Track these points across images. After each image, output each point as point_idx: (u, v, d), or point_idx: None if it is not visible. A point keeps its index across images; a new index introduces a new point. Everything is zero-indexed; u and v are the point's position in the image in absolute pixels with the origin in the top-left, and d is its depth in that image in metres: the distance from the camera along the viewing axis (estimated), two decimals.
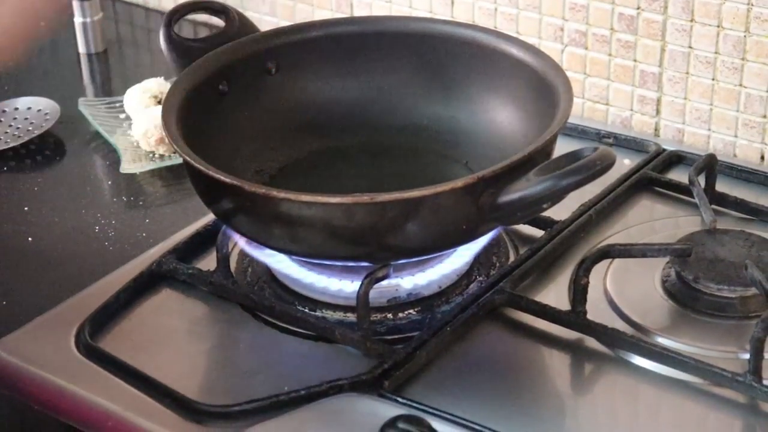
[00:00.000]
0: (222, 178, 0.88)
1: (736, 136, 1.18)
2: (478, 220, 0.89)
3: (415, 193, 0.86)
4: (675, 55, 1.18)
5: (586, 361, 0.92)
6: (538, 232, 1.03)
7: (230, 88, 1.04)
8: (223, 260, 0.98)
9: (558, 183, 0.84)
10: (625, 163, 1.14)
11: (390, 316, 0.95)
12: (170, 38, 1.05)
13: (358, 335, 0.91)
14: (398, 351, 0.89)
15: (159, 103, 1.17)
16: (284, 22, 1.38)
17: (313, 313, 0.95)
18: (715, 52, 1.16)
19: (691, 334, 0.92)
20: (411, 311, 0.96)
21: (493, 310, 0.95)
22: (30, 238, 1.09)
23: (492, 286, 0.96)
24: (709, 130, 1.19)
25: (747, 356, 0.86)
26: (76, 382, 0.89)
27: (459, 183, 0.86)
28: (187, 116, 0.97)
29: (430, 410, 0.84)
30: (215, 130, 1.02)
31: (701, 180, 1.07)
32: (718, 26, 1.14)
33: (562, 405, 0.89)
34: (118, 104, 1.28)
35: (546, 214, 0.96)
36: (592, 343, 0.92)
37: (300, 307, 0.96)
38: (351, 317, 0.94)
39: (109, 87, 1.43)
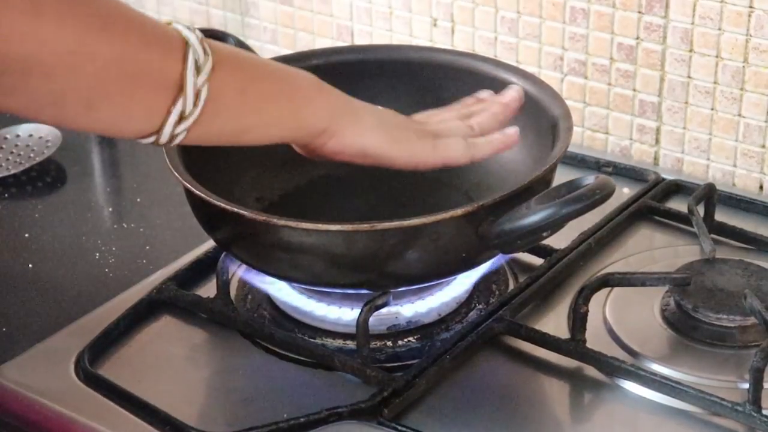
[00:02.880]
0: (222, 205, 0.88)
1: (735, 166, 1.18)
2: (478, 248, 0.89)
3: (415, 221, 0.86)
4: (674, 84, 1.19)
5: (585, 390, 0.92)
6: (537, 261, 1.03)
7: None
8: (223, 287, 0.98)
9: (558, 211, 0.85)
10: (624, 192, 1.15)
11: (389, 343, 0.95)
12: None
13: (357, 363, 0.91)
14: (398, 378, 0.89)
15: None
16: (285, 50, 1.39)
17: (312, 340, 0.95)
18: (714, 82, 1.16)
19: (690, 363, 0.92)
20: (410, 339, 0.96)
21: (493, 338, 0.95)
22: (30, 265, 1.09)
23: (491, 314, 0.96)
24: (708, 159, 1.19)
25: (746, 385, 0.86)
26: (75, 409, 0.89)
27: (459, 211, 0.86)
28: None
29: None
30: (216, 158, 1.02)
31: (700, 209, 1.07)
32: (716, 56, 1.15)
33: None
34: None
35: (545, 242, 0.96)
36: (591, 371, 0.92)
37: (300, 335, 0.96)
38: (350, 344, 0.94)
39: None
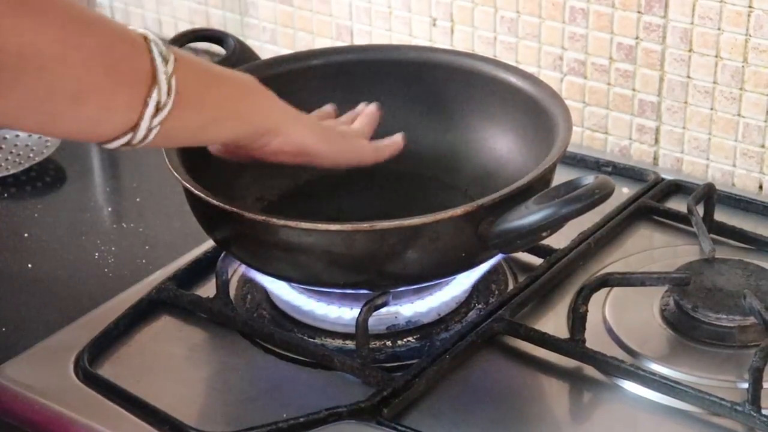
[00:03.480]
0: (222, 205, 0.88)
1: (734, 166, 1.18)
2: (478, 247, 0.89)
3: (414, 220, 0.86)
4: (674, 84, 1.19)
5: (585, 390, 0.92)
6: (537, 260, 1.03)
7: None
8: (223, 287, 0.98)
9: (557, 211, 0.85)
10: (623, 191, 1.15)
11: (389, 343, 0.95)
12: None
13: (357, 362, 0.91)
14: (397, 378, 0.89)
15: None
16: (284, 50, 1.39)
17: (312, 340, 0.95)
18: (714, 82, 1.16)
19: (689, 363, 0.92)
20: (410, 339, 0.96)
21: (492, 338, 0.95)
22: (30, 265, 1.09)
23: (491, 314, 0.96)
24: (708, 159, 1.20)
25: (746, 385, 0.86)
26: (75, 409, 0.89)
27: (458, 211, 0.86)
28: None
29: None
30: (216, 158, 1.02)
31: (700, 209, 1.07)
32: (716, 56, 1.15)
33: None
34: None
35: (545, 242, 0.96)
36: (590, 371, 0.92)
37: (299, 334, 0.96)
38: (350, 344, 0.94)
39: None
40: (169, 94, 0.78)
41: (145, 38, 0.78)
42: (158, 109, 0.78)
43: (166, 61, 0.78)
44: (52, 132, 0.80)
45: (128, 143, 0.79)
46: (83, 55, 0.74)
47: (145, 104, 0.77)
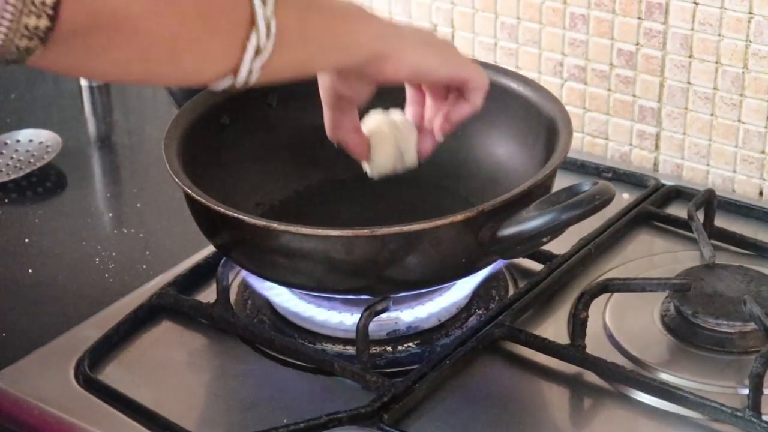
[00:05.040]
0: (223, 211, 0.88)
1: (734, 172, 1.18)
2: (478, 253, 0.89)
3: (414, 226, 0.86)
4: (674, 90, 1.19)
5: (585, 396, 0.92)
6: (537, 266, 1.03)
7: (231, 122, 1.04)
8: (223, 292, 0.98)
9: (557, 217, 0.85)
10: (624, 197, 1.15)
11: (389, 349, 0.95)
12: None
13: (357, 368, 0.91)
14: (397, 384, 0.89)
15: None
16: None
17: (312, 345, 0.95)
18: (714, 88, 1.16)
19: (690, 368, 0.92)
20: (410, 344, 0.96)
21: (493, 344, 0.95)
22: (30, 270, 1.09)
23: (491, 320, 0.96)
24: (708, 165, 1.20)
25: (746, 391, 0.86)
26: (75, 415, 0.89)
27: (459, 216, 0.86)
28: (189, 149, 0.97)
29: None
30: (216, 163, 1.02)
31: (700, 215, 1.07)
32: (716, 62, 1.15)
33: None
34: None
35: (545, 247, 0.96)
36: (591, 377, 0.92)
37: (299, 340, 0.96)
38: (350, 350, 0.94)
39: (111, 119, 1.43)
40: (268, 36, 0.78)
41: None
42: (258, 52, 0.78)
43: (265, 2, 0.78)
44: (155, 82, 0.81)
45: (232, 86, 0.79)
46: (177, 12, 0.74)
47: (244, 48, 0.77)
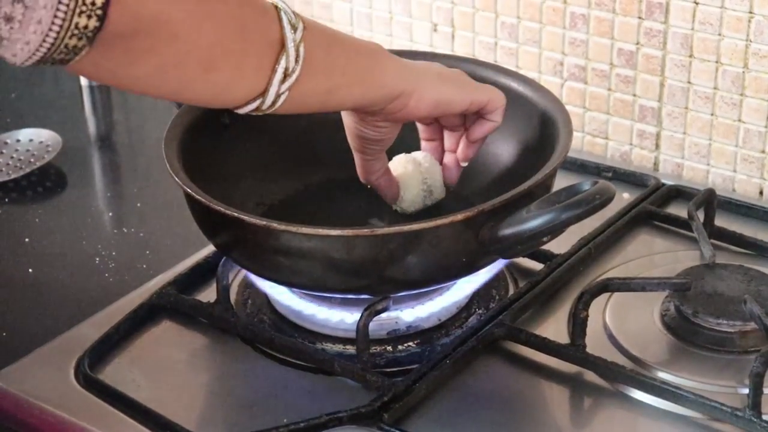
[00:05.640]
0: (223, 210, 0.88)
1: (734, 171, 1.18)
2: (478, 253, 0.89)
3: (415, 226, 0.86)
4: (674, 90, 1.19)
5: (585, 395, 0.92)
6: (537, 266, 1.03)
7: (232, 121, 1.04)
8: (224, 292, 0.98)
9: (558, 217, 0.85)
10: (624, 197, 1.15)
11: (389, 348, 0.95)
12: None
13: (357, 368, 0.91)
14: (398, 384, 0.89)
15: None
16: None
17: (312, 345, 0.95)
18: (714, 88, 1.16)
19: (690, 368, 0.92)
20: (410, 344, 0.96)
21: (493, 343, 0.95)
22: (30, 269, 1.09)
23: (491, 319, 0.96)
24: (708, 164, 1.20)
25: (746, 391, 0.86)
26: (75, 414, 0.89)
27: (459, 216, 0.87)
28: (189, 148, 0.97)
29: None
30: (216, 163, 1.02)
31: (700, 214, 1.07)
32: (716, 62, 1.15)
33: None
34: None
35: (545, 247, 0.96)
36: (591, 376, 0.92)
37: (300, 340, 0.96)
38: (350, 349, 0.94)
39: (111, 119, 1.43)
40: (297, 60, 0.80)
41: (275, 6, 0.80)
42: (286, 75, 0.80)
43: (294, 28, 0.80)
44: (185, 98, 0.83)
45: (257, 108, 0.81)
46: (215, 23, 0.76)
47: (274, 71, 0.80)
